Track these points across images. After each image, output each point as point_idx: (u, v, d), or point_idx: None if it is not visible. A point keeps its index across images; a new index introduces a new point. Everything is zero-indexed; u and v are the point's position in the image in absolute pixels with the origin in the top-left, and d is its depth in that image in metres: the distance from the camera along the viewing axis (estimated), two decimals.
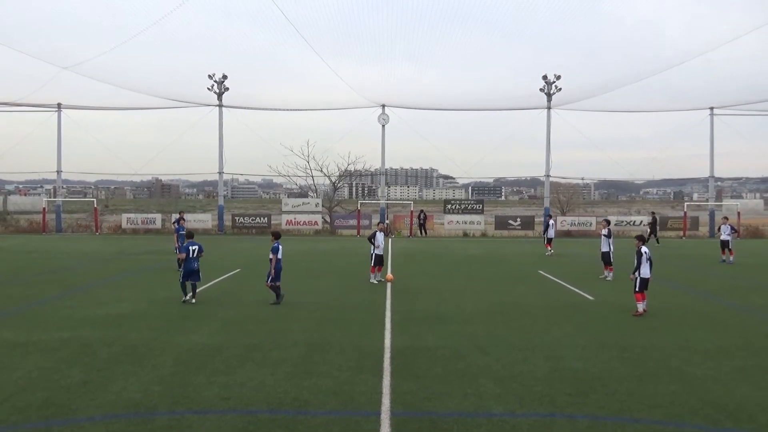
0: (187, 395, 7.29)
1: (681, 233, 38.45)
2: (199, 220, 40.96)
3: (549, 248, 25.72)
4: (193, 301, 13.40)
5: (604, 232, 18.58)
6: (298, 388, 7.60)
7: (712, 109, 40.17)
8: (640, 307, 12.35)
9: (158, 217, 40.02)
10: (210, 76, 38.91)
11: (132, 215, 40.51)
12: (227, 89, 39.29)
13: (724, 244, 23.31)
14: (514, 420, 6.57)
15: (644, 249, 12.38)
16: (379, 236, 17.18)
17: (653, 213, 35.50)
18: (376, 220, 40.36)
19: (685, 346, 9.91)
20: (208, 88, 38.99)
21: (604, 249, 18.27)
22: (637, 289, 12.41)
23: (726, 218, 25.10)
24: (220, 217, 40.18)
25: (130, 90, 38.01)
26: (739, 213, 39.75)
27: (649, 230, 32.91)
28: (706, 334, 10.84)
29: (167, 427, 6.30)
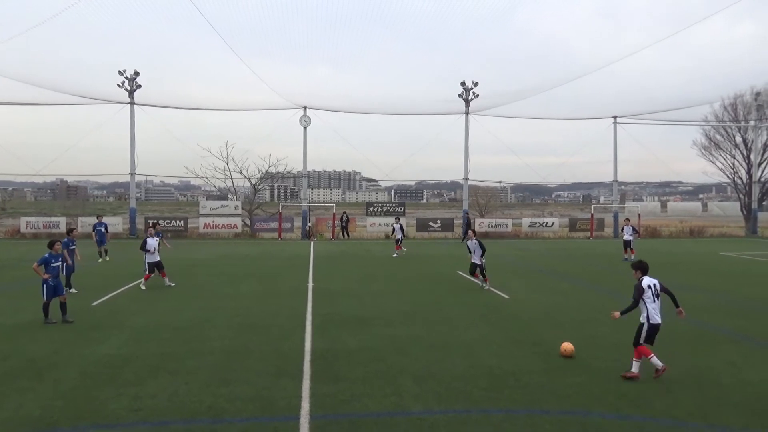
0: (93, 409, 6.87)
1: (589, 234, 40.79)
2: (109, 223, 38.71)
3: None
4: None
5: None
6: (215, 396, 7.36)
7: (615, 118, 42.95)
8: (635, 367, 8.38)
9: (62, 220, 37.44)
10: (120, 72, 36.94)
11: (32, 219, 37.67)
12: (139, 86, 37.46)
13: (626, 244, 25.04)
14: (432, 417, 6.70)
15: (650, 282, 8.43)
16: (151, 241, 16.27)
17: (466, 213, 39.14)
18: (298, 223, 39.99)
19: (591, 340, 10.51)
20: (119, 85, 37.01)
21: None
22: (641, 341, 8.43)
23: (628, 219, 26.96)
24: (132, 221, 38.22)
25: (30, 84, 35.31)
26: (639, 215, 42.73)
27: (462, 229, 35.76)
28: (610, 328, 11.54)
29: None
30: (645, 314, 8.27)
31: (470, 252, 16.54)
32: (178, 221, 39.24)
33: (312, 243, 33.95)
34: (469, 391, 7.59)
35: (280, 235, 37.05)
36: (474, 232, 17.49)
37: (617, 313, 8.39)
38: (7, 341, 10.07)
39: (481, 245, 16.17)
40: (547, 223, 43.50)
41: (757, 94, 42.00)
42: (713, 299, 15.07)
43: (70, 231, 16.29)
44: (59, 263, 12.09)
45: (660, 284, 8.43)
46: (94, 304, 13.58)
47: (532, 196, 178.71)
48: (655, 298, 8.30)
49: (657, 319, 8.25)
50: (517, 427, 6.43)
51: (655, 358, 8.18)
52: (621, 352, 9.59)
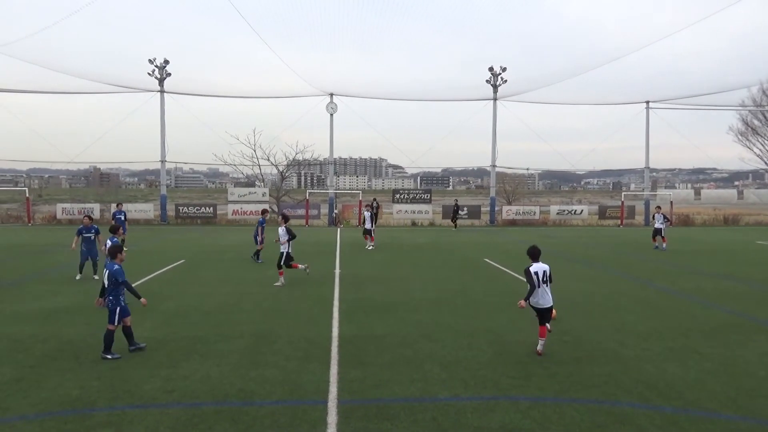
0: (128, 389, 7.08)
1: (619, 222, 40.09)
2: (141, 210, 39.61)
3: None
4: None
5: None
6: (244, 379, 7.51)
7: (647, 103, 41.94)
8: None
9: (96, 207, 38.44)
10: (151, 61, 37.53)
11: (68, 205, 38.70)
12: (169, 74, 38.01)
13: (657, 232, 24.53)
14: (458, 404, 6.72)
15: (539, 268, 8.70)
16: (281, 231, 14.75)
17: (456, 200, 38.70)
18: (324, 210, 40.24)
19: (620, 328, 10.38)
20: (149, 74, 37.62)
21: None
22: None
23: (659, 207, 26.39)
24: (163, 207, 38.99)
25: (64, 73, 36.13)
26: (671, 202, 41.83)
27: (452, 217, 35.58)
28: (639, 317, 11.38)
29: (106, 422, 6.10)
30: (529, 297, 8.59)
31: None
32: (207, 207, 39.86)
33: (339, 230, 34.14)
34: (497, 379, 7.59)
35: (307, 222, 37.34)
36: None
37: (522, 301, 8.55)
38: (47, 324, 10.41)
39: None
40: (575, 210, 42.89)
41: None
42: (748, 288, 14.70)
43: (88, 218, 15.59)
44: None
45: (549, 272, 8.73)
46: None
47: (560, 183, 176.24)
48: (541, 283, 8.58)
49: (542, 303, 8.62)
50: (545, 415, 6.41)
51: (542, 342, 8.64)
52: (649, 342, 9.46)
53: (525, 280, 8.76)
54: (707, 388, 7.32)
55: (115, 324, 8.49)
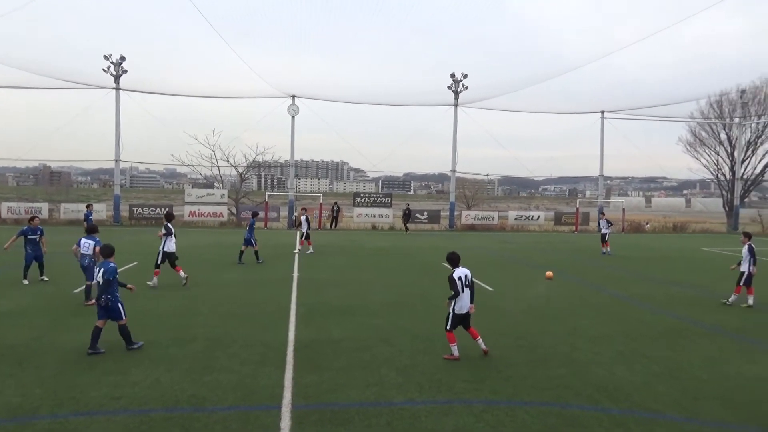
0: (73, 396, 6.82)
1: (574, 228, 41.11)
2: (93, 210, 38.29)
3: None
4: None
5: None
6: (197, 384, 7.34)
7: (603, 112, 43.20)
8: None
9: (45, 206, 37.00)
10: (106, 57, 36.41)
11: (14, 204, 37.10)
12: (125, 71, 36.94)
13: (603, 237, 25.33)
14: (413, 408, 6.74)
15: (462, 273, 8.83)
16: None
17: (407, 204, 39.07)
18: (285, 212, 39.83)
19: (573, 333, 10.63)
20: (104, 70, 36.47)
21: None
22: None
23: (603, 214, 27.24)
24: (116, 208, 37.84)
25: (11, 67, 34.64)
26: (624, 210, 43.18)
27: (404, 221, 36.02)
28: (592, 322, 11.69)
29: (49, 431, 5.86)
30: (453, 303, 8.65)
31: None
32: (162, 209, 38.90)
33: (298, 232, 33.85)
34: (452, 383, 7.65)
35: (266, 224, 36.89)
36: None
37: (448, 302, 8.71)
38: None
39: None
40: (533, 216, 43.75)
41: (743, 91, 42.49)
42: (694, 294, 15.29)
43: (31, 219, 14.70)
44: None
45: (471, 276, 8.80)
46: (75, 291, 13.43)
47: (519, 189, 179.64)
48: (465, 288, 8.65)
49: (465, 309, 8.66)
50: (498, 418, 6.50)
51: (455, 347, 8.69)
52: (601, 346, 9.73)
53: (450, 286, 8.68)
54: (653, 391, 7.57)
55: (124, 317, 8.83)
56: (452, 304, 8.67)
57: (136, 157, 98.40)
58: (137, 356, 8.49)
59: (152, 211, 38.60)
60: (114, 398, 6.81)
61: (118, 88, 37.04)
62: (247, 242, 19.58)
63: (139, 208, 38.77)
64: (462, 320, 8.79)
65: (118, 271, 9.14)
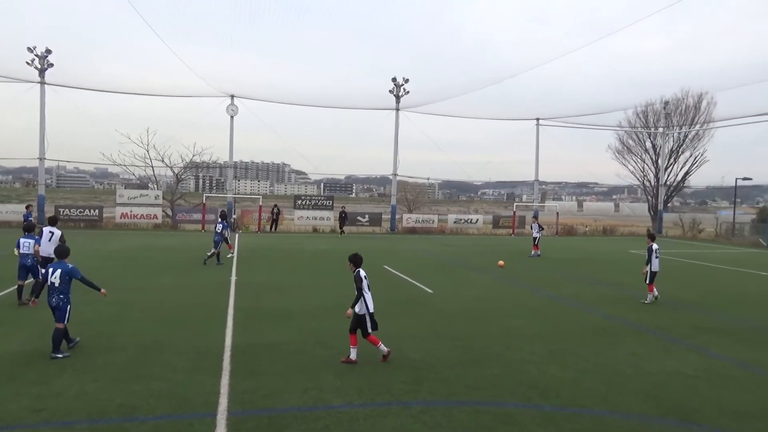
0: None
1: (511, 231, 42.31)
2: (13, 211, 36.04)
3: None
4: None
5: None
6: (125, 393, 7.04)
7: (538, 119, 44.74)
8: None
9: None
10: (30, 49, 34.42)
11: None
12: (51, 65, 35.05)
13: (534, 240, 26.33)
14: (352, 411, 6.74)
15: (365, 273, 9.13)
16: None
17: (343, 207, 39.64)
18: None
19: (507, 333, 10.93)
20: (28, 63, 34.46)
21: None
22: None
23: (535, 218, 28.27)
24: (41, 209, 35.78)
25: None
26: (557, 213, 44.84)
27: (339, 223, 36.44)
28: (526, 322, 12.06)
29: None
30: (364, 304, 8.65)
31: None
32: (92, 210, 37.16)
33: (237, 235, 33.16)
34: (390, 385, 7.69)
35: (203, 227, 35.90)
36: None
37: (349, 310, 8.70)
38: None
39: None
40: (471, 219, 44.71)
41: (666, 103, 45.03)
42: (621, 294, 16.06)
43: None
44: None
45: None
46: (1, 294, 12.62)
47: (459, 192, 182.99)
48: (369, 288, 8.80)
49: (372, 307, 8.74)
50: (435, 418, 6.59)
51: (382, 345, 8.75)
52: (534, 345, 10.05)
53: (356, 286, 8.69)
54: (582, 387, 7.89)
55: (66, 322, 8.56)
56: (358, 303, 8.59)
57: (63, 155, 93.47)
58: (60, 365, 8.06)
59: (81, 212, 36.79)
60: (35, 410, 6.43)
61: (43, 83, 35.10)
62: (217, 244, 19.65)
63: (66, 210, 36.83)
64: (360, 323, 8.66)
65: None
